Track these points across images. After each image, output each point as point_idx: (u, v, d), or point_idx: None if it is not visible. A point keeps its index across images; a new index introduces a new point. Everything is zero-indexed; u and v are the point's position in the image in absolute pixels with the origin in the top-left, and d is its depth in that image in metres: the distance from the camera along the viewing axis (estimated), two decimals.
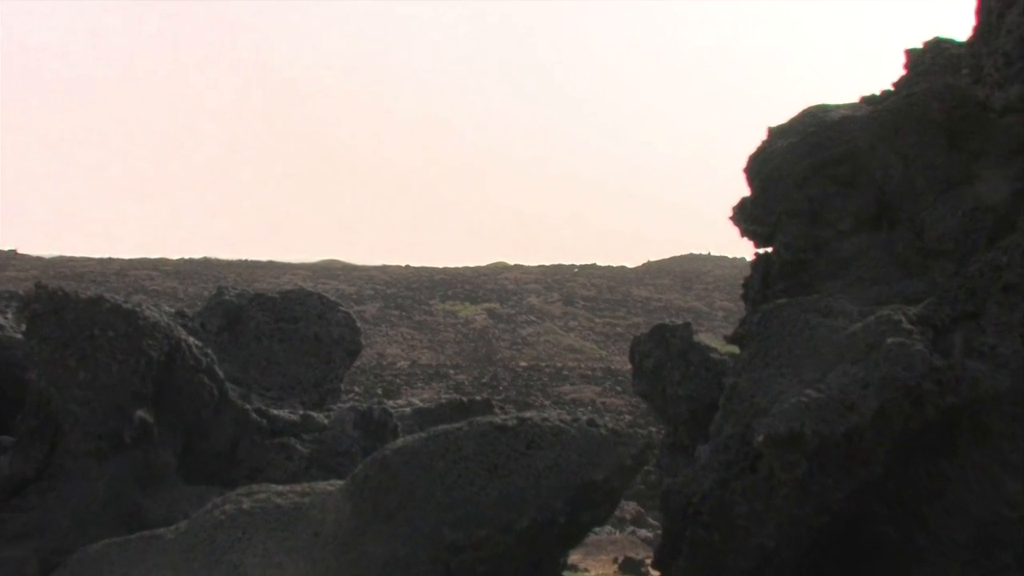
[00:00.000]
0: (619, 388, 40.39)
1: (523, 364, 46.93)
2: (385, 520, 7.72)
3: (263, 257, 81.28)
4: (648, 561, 15.50)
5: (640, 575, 16.20)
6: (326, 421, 11.49)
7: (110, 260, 71.82)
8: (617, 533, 20.24)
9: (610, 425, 8.23)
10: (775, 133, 11.50)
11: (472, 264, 78.36)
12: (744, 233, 11.62)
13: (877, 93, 11.41)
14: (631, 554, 18.06)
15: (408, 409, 12.26)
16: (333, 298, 13.30)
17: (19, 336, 11.58)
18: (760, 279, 11.30)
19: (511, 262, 79.43)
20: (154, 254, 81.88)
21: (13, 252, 71.24)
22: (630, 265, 79.26)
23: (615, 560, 17.72)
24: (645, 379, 11.91)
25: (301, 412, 11.52)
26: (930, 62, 10.73)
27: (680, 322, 12.25)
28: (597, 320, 57.37)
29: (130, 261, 71.53)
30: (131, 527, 9.22)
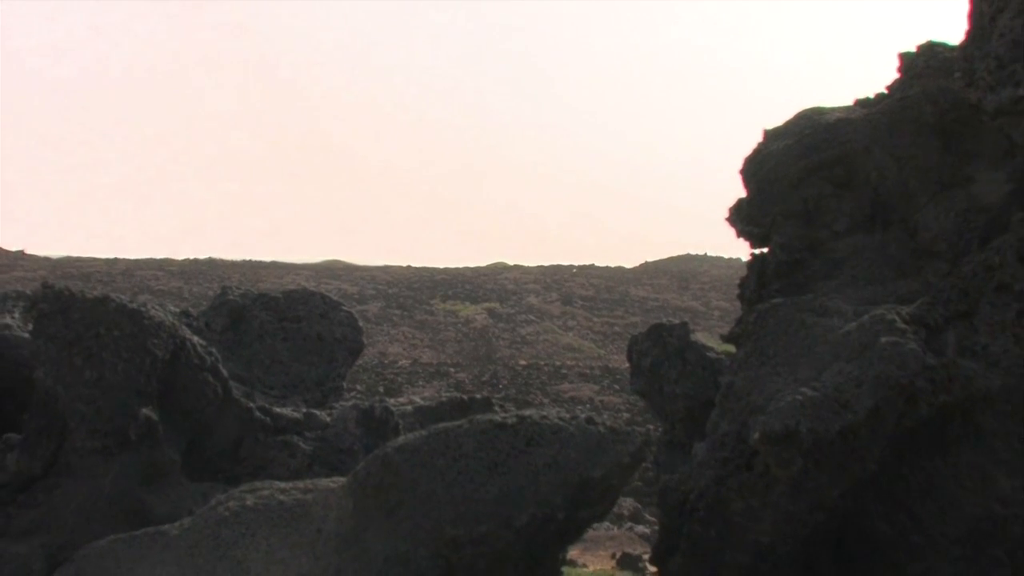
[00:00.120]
0: (617, 386, 40.35)
1: (522, 363, 46.89)
2: (387, 516, 7.74)
3: (267, 257, 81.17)
4: (646, 557, 15.57)
5: (638, 570, 16.22)
6: (329, 419, 11.47)
7: (116, 260, 71.67)
8: (615, 529, 20.26)
9: (608, 423, 8.23)
10: (771, 135, 11.55)
11: (472, 264, 78.26)
12: (740, 234, 11.67)
13: (871, 96, 11.44)
14: (629, 550, 18.05)
15: (409, 407, 12.22)
16: (336, 298, 13.27)
17: (26, 335, 11.54)
18: (756, 279, 11.36)
19: (511, 262, 79.31)
20: (160, 254, 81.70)
21: (21, 252, 71.14)
22: (628, 265, 79.15)
23: (613, 556, 17.73)
24: (643, 377, 11.97)
25: (304, 410, 11.51)
26: (923, 65, 10.74)
27: (677, 321, 12.33)
28: (595, 319, 57.31)
29: (136, 261, 71.35)
30: (136, 523, 9.19)
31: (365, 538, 7.79)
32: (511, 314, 57.58)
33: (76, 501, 9.98)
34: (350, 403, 12.12)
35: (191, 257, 76.05)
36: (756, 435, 7.81)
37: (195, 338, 11.11)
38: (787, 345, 8.79)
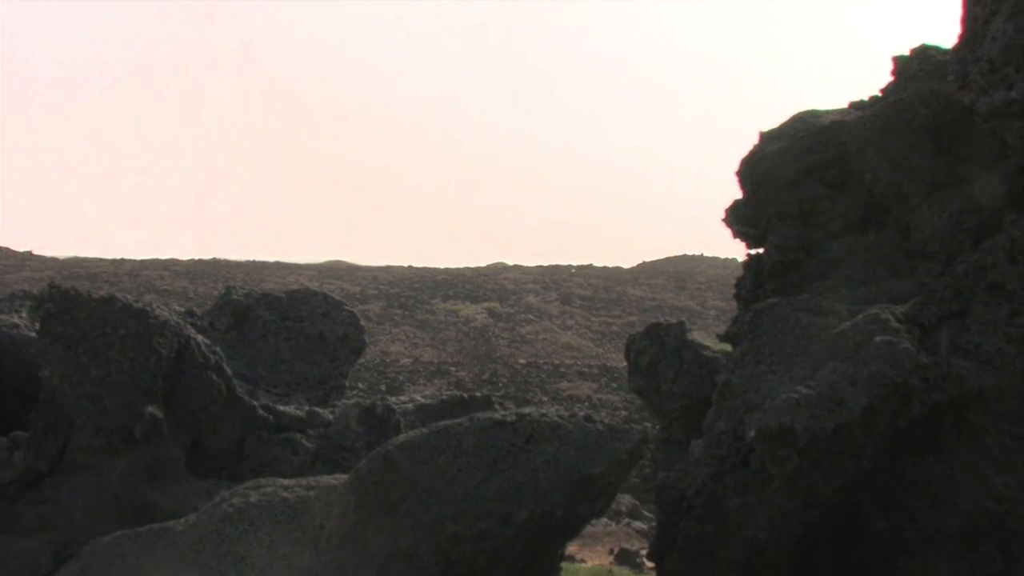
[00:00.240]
0: (615, 385, 40.42)
1: (522, 361, 46.97)
2: (388, 513, 7.76)
3: (270, 258, 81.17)
4: (643, 552, 15.61)
5: (635, 566, 16.27)
6: (331, 417, 11.47)
7: (122, 261, 71.65)
8: (613, 525, 20.31)
9: (606, 421, 8.21)
10: (766, 137, 11.57)
11: (472, 265, 78.20)
12: (736, 234, 11.74)
13: (866, 99, 11.46)
14: (626, 545, 18.13)
15: (410, 405, 12.19)
16: (338, 297, 13.29)
17: (33, 334, 11.59)
18: (752, 279, 11.41)
19: (510, 263, 79.31)
20: (165, 255, 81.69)
21: (28, 253, 71.12)
22: (625, 266, 79.13)
23: (611, 551, 17.78)
24: (640, 376, 12.00)
25: (307, 408, 11.51)
26: (917, 68, 10.75)
27: (674, 321, 12.38)
28: (593, 319, 57.34)
29: (142, 262, 71.27)
30: (141, 520, 9.20)
31: (367, 534, 7.81)
32: (511, 314, 57.62)
33: (82, 498, 10.01)
34: (352, 401, 12.10)
35: (196, 257, 76.06)
36: (752, 433, 7.88)
37: (199, 337, 11.12)
38: (783, 344, 8.83)
